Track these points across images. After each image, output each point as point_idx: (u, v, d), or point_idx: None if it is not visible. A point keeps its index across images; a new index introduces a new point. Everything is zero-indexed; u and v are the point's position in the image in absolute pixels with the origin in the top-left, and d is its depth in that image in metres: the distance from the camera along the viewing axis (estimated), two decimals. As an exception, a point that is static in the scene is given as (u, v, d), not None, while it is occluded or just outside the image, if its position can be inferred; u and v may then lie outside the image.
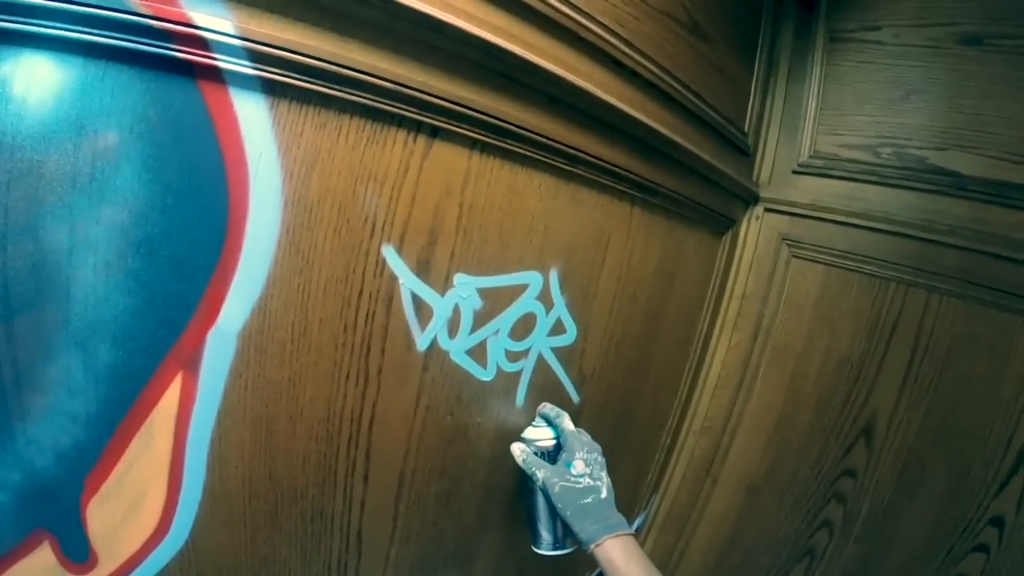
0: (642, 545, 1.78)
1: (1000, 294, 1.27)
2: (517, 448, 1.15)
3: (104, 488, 0.78)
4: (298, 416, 0.90)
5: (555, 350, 1.22)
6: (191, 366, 0.79)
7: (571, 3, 0.98)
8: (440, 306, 0.99)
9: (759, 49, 1.59)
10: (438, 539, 1.19)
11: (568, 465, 1.10)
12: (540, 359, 1.20)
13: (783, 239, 1.62)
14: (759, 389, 1.66)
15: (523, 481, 1.16)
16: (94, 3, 0.62)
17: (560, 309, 1.19)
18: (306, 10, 0.73)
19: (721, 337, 1.73)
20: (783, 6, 1.64)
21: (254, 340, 0.82)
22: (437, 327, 1.00)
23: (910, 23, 1.45)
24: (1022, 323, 1.25)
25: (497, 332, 1.09)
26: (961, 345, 1.32)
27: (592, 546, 1.00)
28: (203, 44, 0.68)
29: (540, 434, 1.17)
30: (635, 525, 1.76)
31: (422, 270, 0.95)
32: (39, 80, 0.65)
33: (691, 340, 1.70)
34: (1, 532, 0.75)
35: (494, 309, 1.07)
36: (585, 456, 1.12)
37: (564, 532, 1.11)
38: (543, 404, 1.22)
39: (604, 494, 1.08)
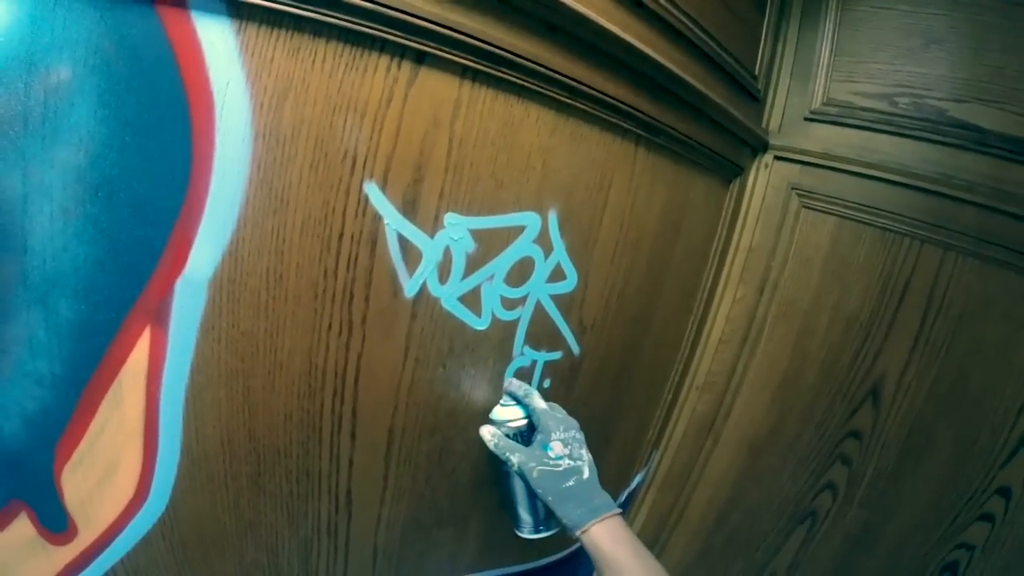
0: (640, 503, 1.79)
1: (1019, 255, 1.22)
2: (487, 431, 1.10)
3: (76, 454, 0.74)
4: (277, 370, 0.84)
5: (554, 297, 1.16)
6: (159, 319, 0.74)
7: (573, -75, 0.89)
8: (429, 248, 0.92)
9: (770, -12, 1.50)
10: (431, 498, 1.14)
11: (545, 447, 1.04)
12: (538, 306, 1.13)
13: (793, 188, 1.55)
14: (764, 345, 1.62)
15: (497, 464, 1.11)
16: None
17: (560, 254, 1.12)
18: None
19: (726, 290, 1.67)
20: (795, -56, 1.54)
21: (226, 289, 0.76)
22: (426, 271, 0.93)
23: None
24: None
25: (492, 277, 1.02)
26: (975, 307, 1.29)
27: (578, 532, 0.97)
28: None
29: (510, 414, 1.11)
30: (631, 486, 1.73)
31: (409, 209, 0.87)
32: None
33: (695, 292, 1.63)
34: None
35: (488, 252, 1.00)
36: (563, 436, 1.06)
37: (546, 513, 1.06)
38: (509, 381, 1.16)
39: (586, 474, 1.04)
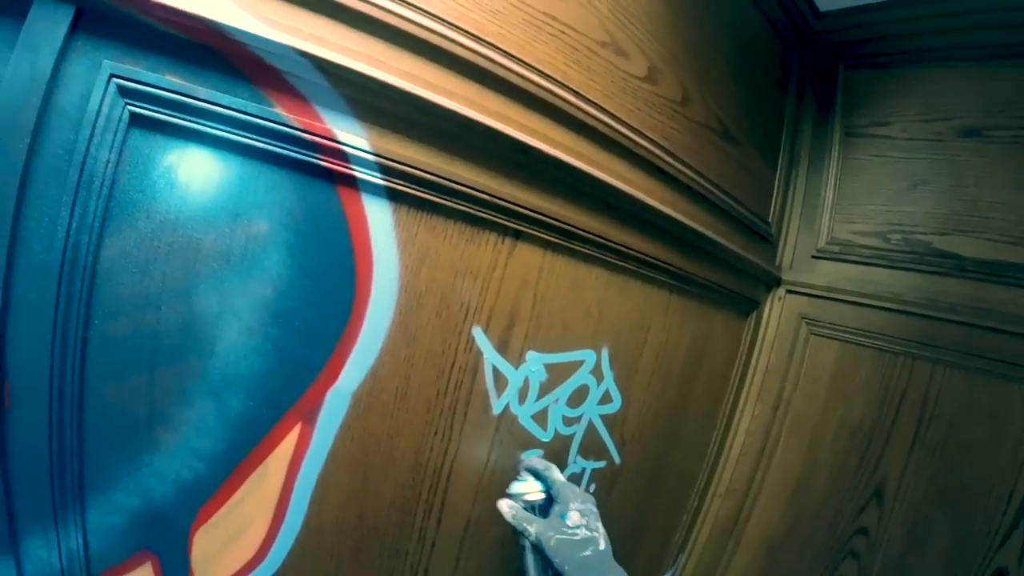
0: None
1: (998, 364, 1.41)
2: (505, 504, 1.12)
3: (215, 518, 0.90)
4: (390, 465, 1.07)
5: (602, 417, 1.41)
6: (310, 418, 0.95)
7: (627, 124, 1.22)
8: (514, 377, 1.18)
9: (782, 147, 1.83)
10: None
11: (563, 516, 1.06)
12: (590, 424, 1.38)
13: (802, 318, 1.80)
14: (779, 456, 1.81)
15: (515, 539, 1.11)
16: (255, 113, 0.79)
17: (608, 382, 1.38)
18: (423, 132, 0.94)
19: (745, 408, 1.90)
20: (803, 106, 1.88)
21: (364, 400, 1.00)
22: (510, 395, 1.19)
23: (916, 118, 1.67)
24: (1018, 389, 1.38)
25: (557, 400, 1.28)
26: (963, 411, 1.46)
27: None
28: (343, 156, 0.87)
29: (528, 488, 1.15)
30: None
31: (502, 347, 1.15)
32: (203, 171, 0.80)
33: (718, 410, 1.88)
34: (108, 549, 0.84)
35: (555, 381, 1.26)
36: (580, 507, 1.09)
37: None
38: (528, 458, 1.23)
39: (602, 545, 1.05)
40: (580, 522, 1.06)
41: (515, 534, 1.10)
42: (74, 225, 0.72)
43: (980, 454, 1.43)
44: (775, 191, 1.83)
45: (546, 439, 1.30)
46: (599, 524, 1.09)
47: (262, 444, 0.92)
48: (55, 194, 0.70)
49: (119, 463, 0.82)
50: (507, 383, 1.18)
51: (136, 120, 0.73)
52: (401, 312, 1.00)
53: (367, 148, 0.88)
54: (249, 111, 0.78)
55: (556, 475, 1.17)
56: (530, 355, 1.20)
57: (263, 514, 0.96)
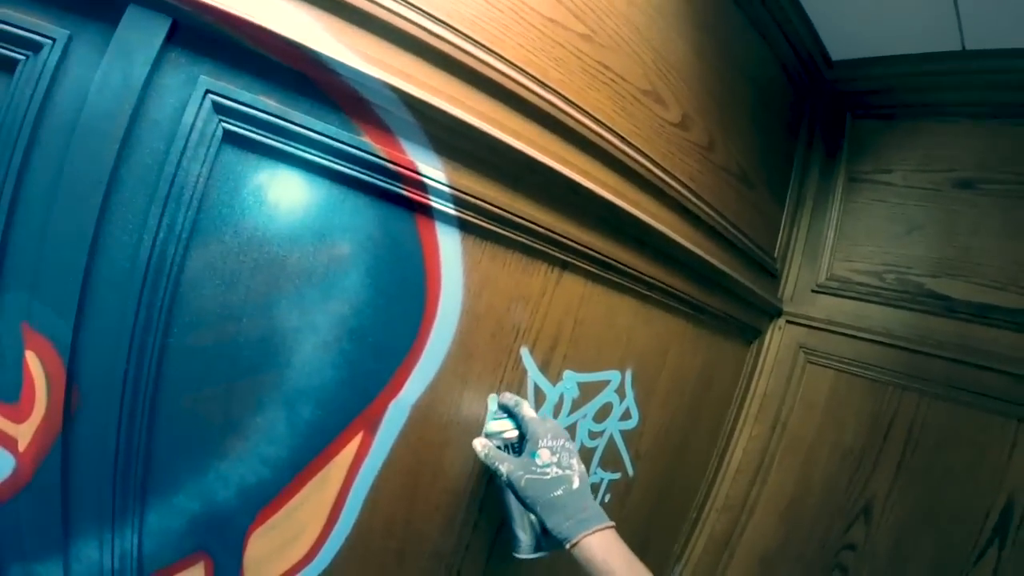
0: None
1: (980, 397, 1.53)
2: (478, 443, 1.09)
3: (272, 520, 0.95)
4: (440, 472, 1.14)
5: (622, 432, 1.50)
6: (372, 427, 1.01)
7: (662, 167, 1.33)
8: (551, 393, 1.27)
9: (790, 188, 1.96)
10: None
11: (533, 455, 1.04)
12: (610, 439, 1.47)
13: (800, 347, 1.93)
14: (774, 474, 1.92)
15: (496, 484, 1.12)
16: (345, 140, 0.84)
17: (630, 401, 1.48)
18: (492, 169, 1.02)
19: (744, 429, 2.02)
20: (811, 151, 2.00)
21: (423, 411, 1.07)
22: (546, 409, 1.27)
23: (916, 168, 1.80)
24: (998, 421, 1.49)
25: (585, 416, 1.37)
26: (946, 439, 1.57)
27: (568, 546, 0.94)
28: (422, 187, 0.94)
29: (503, 426, 1.14)
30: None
31: (544, 367, 1.24)
32: (291, 192, 0.84)
33: (720, 430, 2.00)
34: (162, 550, 0.86)
35: (585, 398, 1.35)
36: (550, 444, 1.05)
37: (543, 530, 1.01)
38: (502, 393, 1.18)
39: (576, 484, 1.02)
40: (551, 460, 1.03)
41: (490, 473, 1.10)
42: (161, 235, 0.74)
43: (961, 478, 1.53)
44: (781, 229, 1.98)
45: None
46: (573, 461, 1.05)
47: (326, 451, 0.97)
48: (143, 203, 0.73)
49: (186, 468, 0.85)
50: (545, 398, 1.26)
51: (229, 137, 0.77)
52: (461, 332, 1.09)
53: (444, 181, 0.95)
54: (340, 139, 0.83)
55: (526, 411, 1.12)
56: (567, 374, 1.29)
57: (319, 517, 1.00)
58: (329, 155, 0.84)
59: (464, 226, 1.03)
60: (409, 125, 0.90)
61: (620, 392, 1.45)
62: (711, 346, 1.76)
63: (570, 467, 1.04)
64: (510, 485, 1.02)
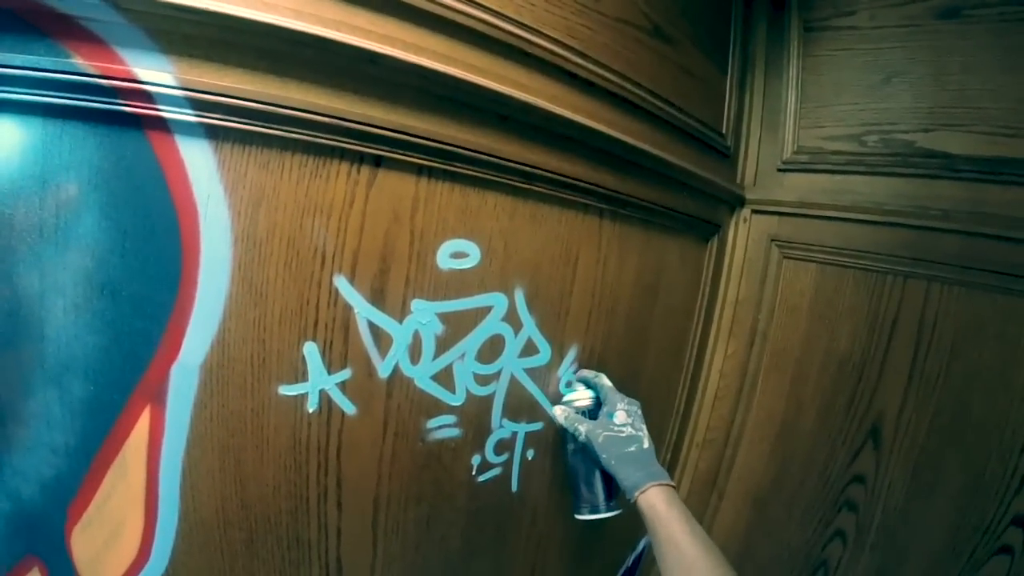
0: (649, 567, 1.88)
1: (1003, 277, 1.31)
2: (558, 409, 1.28)
3: (86, 516, 0.89)
4: (264, 445, 1.00)
5: (528, 371, 1.31)
6: (158, 399, 0.90)
7: (515, 20, 1.08)
8: (399, 333, 1.08)
9: (732, 47, 1.69)
10: (422, 565, 1.28)
11: (610, 416, 1.21)
12: (513, 380, 1.28)
13: (772, 240, 1.71)
14: (759, 397, 1.75)
15: (564, 445, 1.30)
16: (48, 67, 0.74)
17: (530, 329, 1.28)
18: (243, 55, 0.84)
19: (717, 346, 1.83)
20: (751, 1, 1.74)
21: (215, 372, 0.93)
22: (397, 354, 1.09)
23: (885, 4, 1.54)
24: None
25: (463, 356, 1.18)
26: (967, 334, 1.37)
27: (636, 493, 1.09)
28: (147, 97, 0.79)
29: (578, 395, 1.31)
30: (638, 549, 1.86)
31: (377, 298, 1.05)
32: (4, 139, 0.77)
33: (683, 351, 1.79)
34: None
35: (457, 333, 1.16)
36: (626, 407, 1.23)
37: (606, 493, 1.24)
38: (580, 370, 1.37)
39: (646, 444, 1.19)
40: (626, 420, 1.22)
41: (565, 436, 1.29)
42: None
43: (989, 382, 1.33)
44: (728, 98, 1.69)
45: (457, 402, 1.21)
46: (643, 426, 1.23)
47: (114, 432, 0.89)
48: None
49: None
50: (392, 340, 1.09)
51: None
52: (241, 267, 0.92)
53: (172, 83, 0.81)
54: (41, 66, 0.75)
55: (605, 381, 1.32)
56: (416, 304, 1.10)
57: (135, 510, 0.93)
58: (33, 88, 0.76)
59: (213, 132, 0.86)
60: (123, 28, 0.78)
61: (511, 320, 1.25)
62: (647, 248, 1.51)
63: (641, 430, 1.22)
64: (588, 443, 1.19)
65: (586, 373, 1.35)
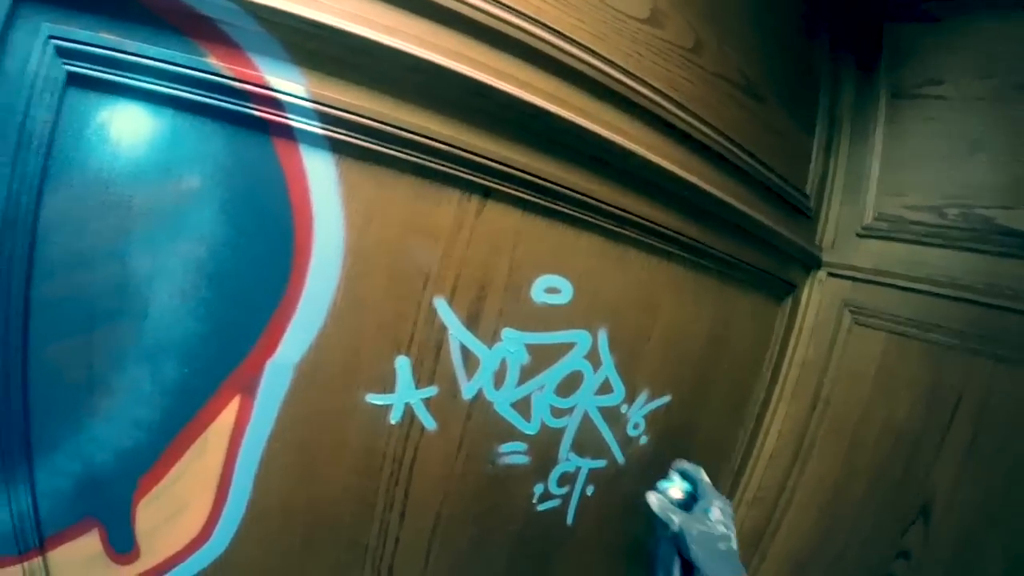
0: None
1: None
2: (653, 496, 1.23)
3: (155, 490, 0.96)
4: (342, 448, 1.07)
5: (600, 409, 1.37)
6: (249, 391, 0.98)
7: (622, 68, 1.17)
8: (487, 358, 1.16)
9: (819, 108, 1.75)
10: None
11: (707, 511, 1.19)
12: (585, 417, 1.35)
13: (846, 305, 1.73)
14: (814, 461, 1.75)
15: (654, 532, 1.24)
16: (182, 63, 0.82)
17: (608, 369, 1.34)
18: (366, 75, 0.93)
19: (779, 406, 1.84)
20: (841, 65, 1.79)
21: (308, 373, 1.01)
22: (483, 378, 1.17)
23: (973, 76, 1.57)
24: None
25: (543, 387, 1.25)
26: None
27: None
28: (278, 105, 0.89)
29: (674, 486, 1.27)
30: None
31: (471, 323, 1.12)
32: (134, 126, 0.84)
33: (745, 407, 1.84)
34: (56, 513, 0.92)
35: (540, 365, 1.23)
36: (722, 506, 1.21)
37: None
38: (678, 460, 1.34)
39: (735, 544, 1.17)
40: (720, 519, 1.18)
41: (656, 524, 1.20)
42: (15, 185, 0.79)
43: None
44: (813, 159, 1.75)
45: (530, 431, 1.28)
46: (733, 526, 1.19)
47: (200, 415, 0.96)
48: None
49: (62, 426, 0.90)
50: (479, 364, 1.16)
51: (73, 79, 0.80)
52: (347, 277, 1.00)
53: (303, 95, 0.89)
54: (178, 62, 0.82)
55: (703, 476, 1.28)
56: (507, 333, 1.18)
57: (205, 490, 1.00)
58: (169, 81, 0.83)
59: (336, 146, 0.96)
60: (258, 36, 0.87)
61: (593, 358, 1.31)
62: (723, 300, 1.57)
63: (732, 529, 1.18)
64: (680, 534, 1.13)
65: (685, 464, 1.33)
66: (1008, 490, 1.36)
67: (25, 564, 0.91)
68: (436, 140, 0.98)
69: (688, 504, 1.24)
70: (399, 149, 0.97)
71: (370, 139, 0.95)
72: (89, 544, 0.95)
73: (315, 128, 0.91)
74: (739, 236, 1.51)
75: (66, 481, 0.91)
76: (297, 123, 0.90)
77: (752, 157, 1.50)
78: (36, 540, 0.92)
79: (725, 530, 1.17)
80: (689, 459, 1.53)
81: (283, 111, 0.89)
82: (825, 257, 1.79)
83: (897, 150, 1.70)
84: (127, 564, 0.98)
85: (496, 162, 1.04)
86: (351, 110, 0.92)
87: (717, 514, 1.19)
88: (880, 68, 1.74)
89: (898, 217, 1.66)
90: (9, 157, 0.78)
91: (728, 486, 1.86)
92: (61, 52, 0.78)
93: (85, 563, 0.96)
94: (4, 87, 0.77)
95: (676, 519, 1.16)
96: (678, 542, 1.15)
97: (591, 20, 1.13)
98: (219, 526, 1.02)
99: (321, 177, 0.95)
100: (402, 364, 1.09)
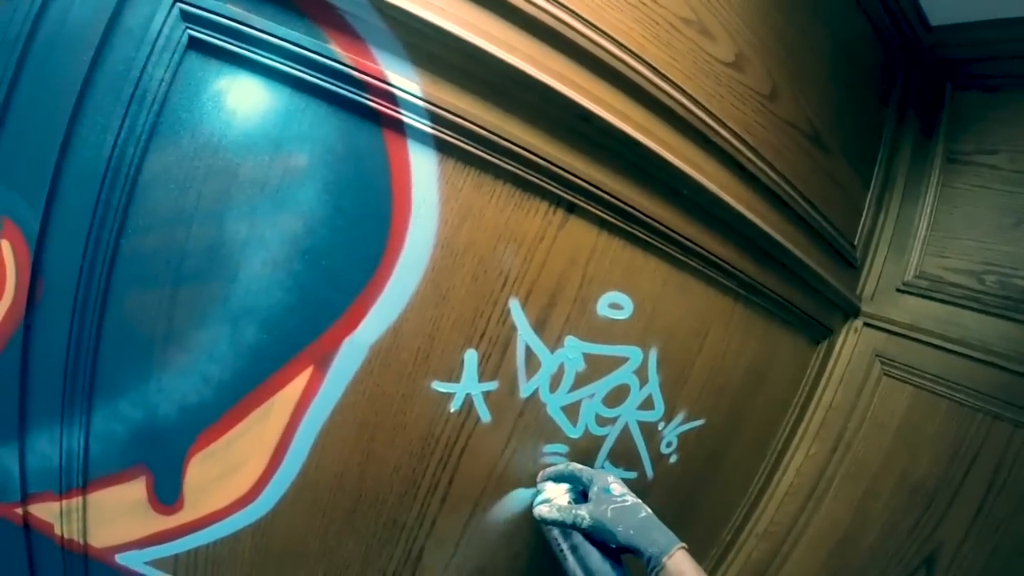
0: None
1: None
2: (543, 507, 1.22)
3: (212, 447, 1.01)
4: (400, 429, 1.13)
5: (640, 423, 1.43)
6: (322, 364, 1.03)
7: (707, 109, 1.25)
8: (548, 361, 1.22)
9: (877, 165, 1.82)
10: (492, 573, 1.38)
11: (607, 491, 1.18)
12: (625, 429, 1.40)
13: (877, 355, 1.79)
14: (828, 502, 1.80)
15: (557, 549, 1.22)
16: (305, 46, 0.87)
17: (653, 387, 1.41)
18: (479, 85, 1.00)
19: (801, 444, 1.90)
20: (904, 125, 1.86)
21: (382, 355, 1.07)
22: (541, 379, 1.23)
23: None
24: None
25: (592, 396, 1.31)
26: None
27: (665, 559, 1.06)
28: (392, 99, 0.94)
29: (554, 492, 1.27)
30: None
31: (539, 326, 1.19)
32: (250, 98, 0.89)
33: (770, 441, 1.89)
34: (106, 456, 0.96)
35: (594, 374, 1.29)
36: (614, 478, 1.22)
37: (619, 573, 1.15)
38: (541, 472, 1.32)
39: (650, 510, 1.17)
40: (624, 491, 1.19)
41: (559, 537, 1.22)
42: (122, 136, 0.84)
43: None
44: (865, 212, 1.84)
45: (574, 435, 1.33)
46: (634, 493, 1.21)
47: (271, 380, 1.01)
48: (109, 105, 0.83)
49: (129, 373, 0.94)
50: (540, 366, 1.22)
51: (194, 44, 0.85)
52: (434, 269, 1.06)
53: (418, 93, 0.95)
54: (302, 44, 0.88)
55: (575, 465, 1.29)
56: (569, 341, 1.23)
57: (261, 453, 1.05)
58: (290, 61, 0.88)
59: (442, 146, 1.01)
60: (380, 32, 0.92)
61: (641, 375, 1.38)
62: (766, 337, 1.64)
63: (638, 499, 1.19)
64: (596, 523, 1.14)
65: (548, 471, 1.31)
66: (1015, 552, 1.41)
67: (64, 502, 0.96)
68: (536, 154, 1.06)
69: (579, 500, 1.25)
70: (501, 158, 1.04)
71: (476, 144, 1.01)
72: (133, 490, 0.99)
73: (425, 126, 0.97)
74: (789, 278, 1.58)
75: (123, 427, 0.95)
76: (408, 119, 0.96)
77: (811, 205, 1.58)
78: (80, 480, 0.96)
79: (633, 499, 1.18)
80: (708, 486, 1.64)
81: (396, 105, 0.95)
82: (864, 307, 1.85)
83: (945, 212, 1.76)
84: (168, 515, 1.02)
85: (584, 181, 1.10)
86: (462, 115, 0.98)
87: (617, 488, 1.20)
88: (939, 132, 1.81)
89: (938, 277, 1.72)
90: (122, 108, 0.83)
91: (741, 516, 1.90)
92: (185, 16, 0.83)
93: (125, 508, 1.00)
94: (126, 41, 0.82)
95: (583, 512, 1.16)
96: (596, 536, 1.15)
97: (683, 60, 1.21)
98: (267, 490, 1.06)
99: (424, 173, 1.01)
100: (470, 357, 1.15)
